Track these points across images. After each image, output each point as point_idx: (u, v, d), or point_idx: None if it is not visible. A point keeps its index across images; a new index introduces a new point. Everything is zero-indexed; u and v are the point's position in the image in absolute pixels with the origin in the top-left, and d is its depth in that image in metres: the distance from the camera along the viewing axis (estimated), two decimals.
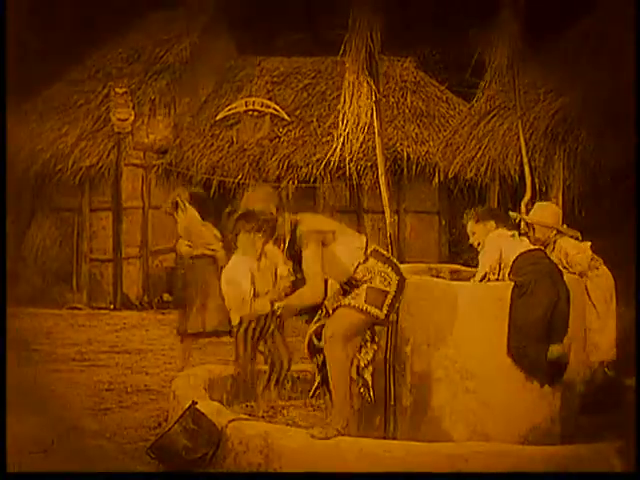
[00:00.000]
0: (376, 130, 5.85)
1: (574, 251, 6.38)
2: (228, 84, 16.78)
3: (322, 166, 14.60)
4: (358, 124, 6.11)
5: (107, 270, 14.64)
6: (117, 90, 14.69)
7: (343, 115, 6.05)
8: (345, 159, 14.33)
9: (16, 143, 13.84)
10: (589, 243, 6.57)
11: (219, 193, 15.08)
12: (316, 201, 14.92)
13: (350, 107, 5.82)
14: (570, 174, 12.18)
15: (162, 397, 7.57)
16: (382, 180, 5.84)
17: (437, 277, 6.19)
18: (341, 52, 5.86)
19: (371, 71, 5.78)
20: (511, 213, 6.76)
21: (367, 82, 5.74)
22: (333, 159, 14.51)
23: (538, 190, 12.24)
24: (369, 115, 5.90)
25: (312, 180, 14.72)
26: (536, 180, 12.37)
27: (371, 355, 5.51)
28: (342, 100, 5.90)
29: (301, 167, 14.78)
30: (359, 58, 5.72)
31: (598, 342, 6.55)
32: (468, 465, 4.82)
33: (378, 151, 5.88)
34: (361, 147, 14.20)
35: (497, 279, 5.89)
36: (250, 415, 5.98)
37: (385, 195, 5.85)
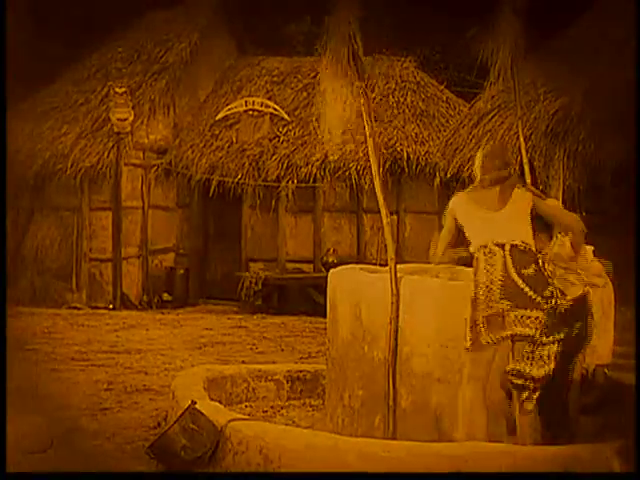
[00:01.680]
0: (367, 132, 5.78)
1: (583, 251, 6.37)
2: (228, 84, 16.78)
3: (322, 166, 14.61)
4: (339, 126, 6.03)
5: (107, 270, 14.63)
6: (117, 90, 14.69)
7: (323, 118, 5.96)
8: (345, 159, 14.43)
9: (16, 143, 13.86)
10: (592, 247, 6.56)
11: (219, 193, 15.09)
12: (316, 201, 14.93)
13: (330, 109, 5.74)
14: (570, 174, 12.17)
15: (161, 397, 7.57)
16: (377, 182, 5.79)
17: (437, 277, 6.17)
18: (317, 53, 5.80)
19: (356, 70, 5.70)
20: None
21: (352, 82, 5.67)
22: (333, 158, 14.55)
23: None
24: (354, 116, 5.80)
25: (312, 180, 14.72)
26: (537, 180, 12.38)
27: None
28: (321, 102, 5.81)
29: (301, 167, 14.77)
30: (340, 58, 5.64)
31: (596, 345, 6.54)
32: (468, 465, 4.81)
33: (370, 153, 5.82)
34: (361, 147, 14.26)
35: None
36: (249, 415, 5.98)
37: (380, 197, 5.80)
